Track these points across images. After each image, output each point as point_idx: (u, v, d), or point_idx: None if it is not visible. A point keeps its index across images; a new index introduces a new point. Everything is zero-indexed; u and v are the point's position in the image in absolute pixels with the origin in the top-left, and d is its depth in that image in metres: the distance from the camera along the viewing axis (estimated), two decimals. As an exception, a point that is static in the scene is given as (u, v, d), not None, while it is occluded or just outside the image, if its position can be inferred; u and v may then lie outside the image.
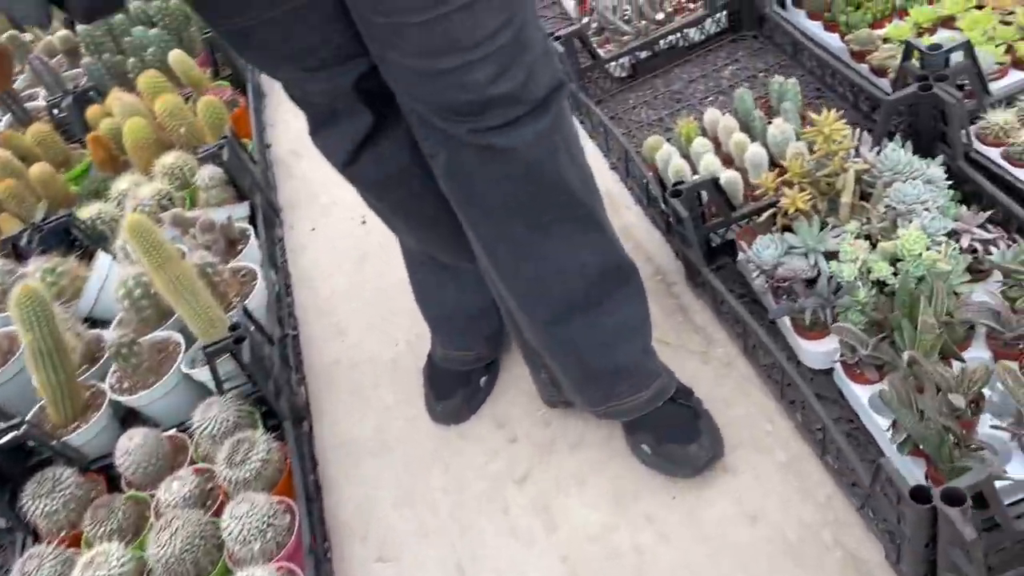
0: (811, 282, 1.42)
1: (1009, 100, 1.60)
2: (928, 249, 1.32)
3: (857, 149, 1.52)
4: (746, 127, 1.80)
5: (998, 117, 1.53)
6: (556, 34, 2.08)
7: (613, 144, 1.97)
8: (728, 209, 1.59)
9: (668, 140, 1.96)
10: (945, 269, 1.28)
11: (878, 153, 1.50)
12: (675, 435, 1.33)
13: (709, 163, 1.67)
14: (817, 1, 1.99)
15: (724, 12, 2.16)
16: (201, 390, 1.70)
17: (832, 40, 1.96)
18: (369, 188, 1.37)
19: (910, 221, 1.37)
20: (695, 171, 1.73)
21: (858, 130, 1.51)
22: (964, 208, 1.40)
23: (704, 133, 1.86)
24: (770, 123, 1.82)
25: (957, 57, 1.55)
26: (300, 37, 1.10)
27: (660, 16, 2.20)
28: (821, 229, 1.45)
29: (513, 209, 1.15)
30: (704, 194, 1.55)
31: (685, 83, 2.14)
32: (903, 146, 1.50)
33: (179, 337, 1.75)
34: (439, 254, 1.51)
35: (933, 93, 1.49)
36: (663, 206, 1.66)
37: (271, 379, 1.60)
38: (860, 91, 1.80)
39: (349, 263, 2.04)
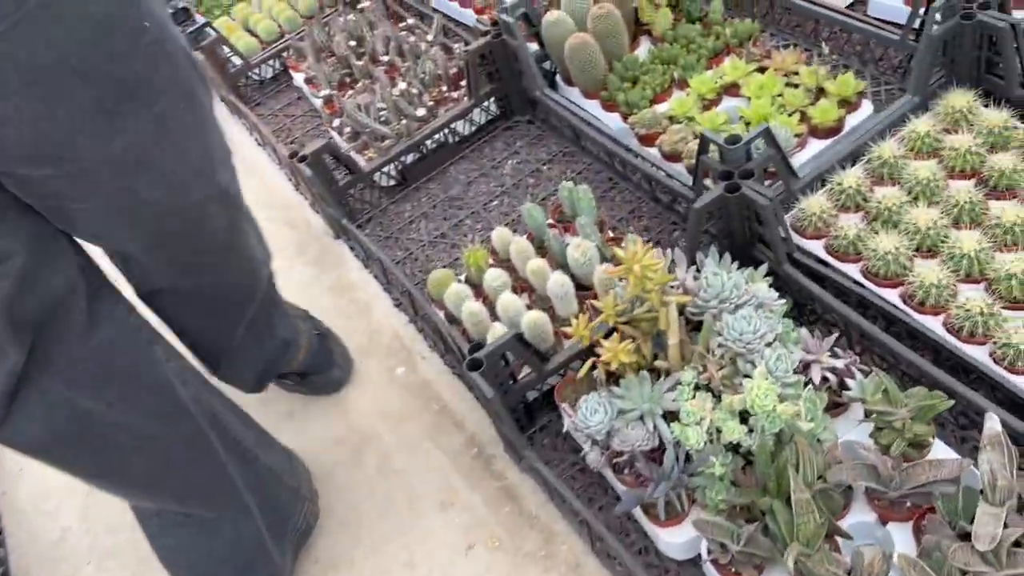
0: (655, 450, 1.17)
1: (820, 179, 1.44)
2: (780, 400, 1.09)
3: (672, 266, 1.29)
4: (541, 244, 1.54)
5: (814, 205, 1.36)
6: (301, 154, 1.73)
7: (393, 278, 1.65)
8: (539, 361, 1.31)
9: (456, 261, 1.67)
10: (806, 428, 1.06)
11: (697, 272, 1.27)
12: (314, 366, 1.51)
13: (508, 305, 1.38)
14: (590, 79, 1.77)
15: (492, 99, 1.90)
16: None
17: (613, 121, 1.75)
18: (42, 454, 0.98)
19: (751, 363, 1.14)
20: (493, 312, 1.44)
21: (669, 251, 1.27)
22: (805, 331, 1.20)
23: (495, 254, 1.58)
24: (567, 230, 1.57)
25: (758, 142, 1.36)
26: None
27: (421, 112, 1.91)
28: (654, 381, 1.20)
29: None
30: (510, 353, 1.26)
31: (464, 185, 1.86)
32: (720, 257, 1.29)
33: None
34: (179, 509, 1.12)
35: (741, 194, 1.28)
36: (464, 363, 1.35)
37: None
38: (656, 182, 1.59)
39: (80, 490, 1.57)
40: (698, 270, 1.29)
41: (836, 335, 1.18)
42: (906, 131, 1.42)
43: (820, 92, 1.60)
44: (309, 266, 1.85)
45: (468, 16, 2.22)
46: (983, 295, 1.17)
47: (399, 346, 1.61)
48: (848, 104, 1.56)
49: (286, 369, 1.47)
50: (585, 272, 1.43)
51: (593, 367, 1.26)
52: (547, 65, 1.90)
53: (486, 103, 1.90)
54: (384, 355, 1.60)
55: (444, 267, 1.68)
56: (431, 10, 2.29)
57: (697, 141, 1.56)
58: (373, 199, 1.88)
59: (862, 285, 1.29)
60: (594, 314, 1.31)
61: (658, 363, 1.24)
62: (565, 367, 1.33)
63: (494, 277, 1.45)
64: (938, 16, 1.40)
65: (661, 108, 1.70)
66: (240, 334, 1.31)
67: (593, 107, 1.79)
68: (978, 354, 1.15)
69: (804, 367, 1.17)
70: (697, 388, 1.17)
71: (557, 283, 1.38)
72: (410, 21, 2.21)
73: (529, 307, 1.44)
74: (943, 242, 1.26)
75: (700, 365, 1.17)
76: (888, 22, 1.70)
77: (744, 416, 1.12)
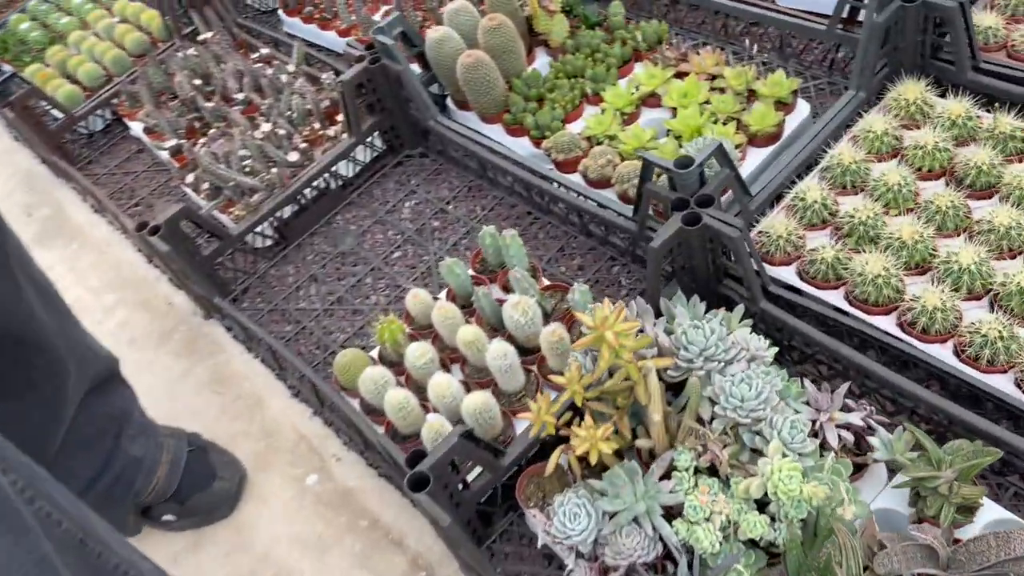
0: (659, 557, 0.95)
1: (775, 196, 1.26)
2: (804, 477, 0.89)
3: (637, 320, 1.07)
4: (467, 303, 1.30)
5: (779, 227, 1.18)
6: (152, 225, 1.41)
7: (286, 363, 1.36)
8: (493, 457, 1.07)
9: (362, 331, 1.40)
10: (849, 515, 0.87)
11: (667, 325, 1.07)
12: (193, 484, 1.25)
13: (442, 389, 1.13)
14: (489, 101, 1.54)
15: (376, 133, 1.64)
16: None
17: (522, 147, 1.53)
18: None
19: (758, 433, 0.95)
20: (421, 394, 1.18)
21: (633, 303, 1.06)
22: (809, 384, 1.01)
23: (410, 319, 1.32)
24: (491, 281, 1.33)
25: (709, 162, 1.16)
26: None
27: (294, 156, 1.62)
28: (642, 468, 0.98)
29: None
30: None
31: (356, 237, 1.59)
32: (688, 301, 1.09)
33: None
34: None
35: (704, 226, 1.09)
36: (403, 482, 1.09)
37: None
38: (587, 214, 1.37)
39: None
40: (670, 323, 1.08)
41: (846, 384, 1.00)
42: (859, 130, 1.27)
43: (751, 95, 1.43)
44: (177, 357, 1.53)
45: (331, 40, 1.94)
46: (994, 316, 1.02)
47: (306, 448, 1.32)
48: (784, 106, 1.40)
49: (148, 498, 1.23)
50: (528, 334, 1.19)
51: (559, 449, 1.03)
52: (435, 89, 1.65)
53: (370, 138, 1.64)
54: (288, 461, 1.31)
55: (347, 338, 1.41)
56: (287, 36, 2.00)
57: (625, 163, 1.36)
58: (247, 265, 1.58)
59: (846, 314, 1.12)
60: (551, 388, 1.08)
61: (640, 442, 1.02)
62: (523, 458, 1.09)
63: (418, 355, 1.20)
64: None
65: (575, 128, 1.49)
66: (58, 441, 1.09)
67: (496, 132, 1.57)
68: (1002, 384, 1.00)
69: (810, 423, 0.99)
70: (696, 471, 0.96)
71: (499, 354, 1.14)
72: (264, 51, 1.92)
73: (465, 384, 1.19)
74: (932, 255, 1.11)
75: (698, 445, 0.96)
76: (799, 11, 1.56)
77: (760, 502, 0.92)
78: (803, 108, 1.41)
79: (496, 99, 1.54)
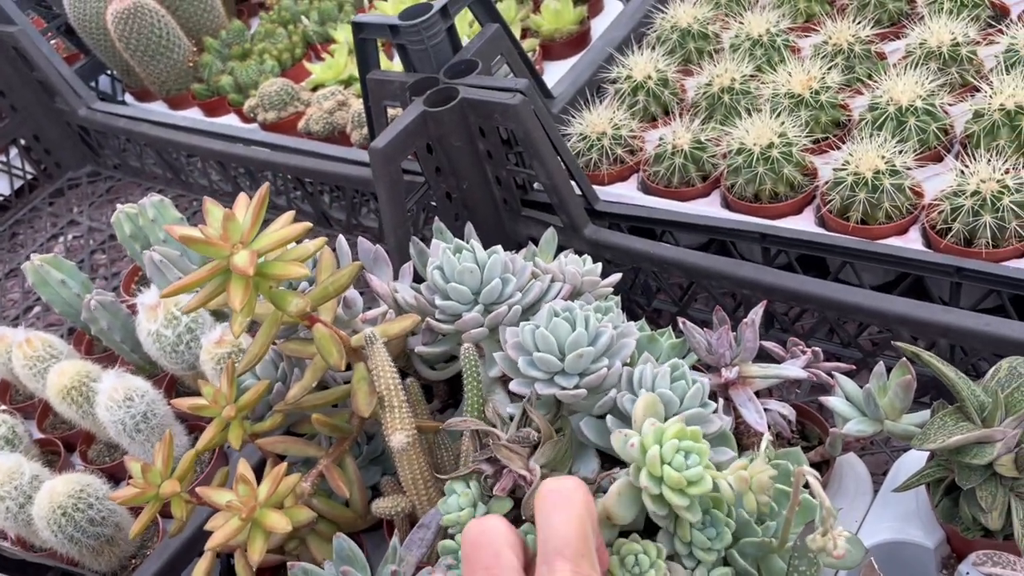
0: None
1: (586, 95, 0.83)
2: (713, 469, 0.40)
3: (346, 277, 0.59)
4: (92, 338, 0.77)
5: (597, 121, 0.74)
6: None
7: None
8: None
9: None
10: (836, 556, 0.38)
11: (415, 282, 0.58)
12: None
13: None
14: (169, 71, 1.07)
15: (11, 147, 1.12)
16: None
17: (225, 130, 1.05)
18: None
19: (602, 419, 0.46)
20: None
21: (339, 240, 0.57)
22: (688, 326, 0.53)
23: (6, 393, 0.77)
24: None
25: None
26: None
27: None
28: (375, 557, 0.46)
29: None
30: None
31: (-23, 301, 1.04)
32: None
33: None
34: None
35: (463, 101, 0.63)
36: None
37: None
38: (316, 174, 0.90)
39: None
40: (420, 268, 0.60)
41: (760, 306, 0.53)
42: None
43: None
44: None
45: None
46: (981, 164, 0.60)
47: None
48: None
49: None
50: (187, 360, 0.67)
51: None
52: (106, 84, 1.18)
53: (3, 157, 1.12)
54: None
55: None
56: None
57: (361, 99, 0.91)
58: None
59: (727, 232, 0.67)
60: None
61: (380, 504, 0.50)
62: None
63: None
64: None
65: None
66: None
67: (191, 120, 1.08)
68: (1026, 270, 0.57)
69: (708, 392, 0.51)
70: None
71: (117, 397, 0.61)
72: None
73: (51, 464, 0.65)
74: (843, 112, 0.69)
75: (483, 465, 0.45)
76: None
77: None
78: (614, 4, 1.02)
79: (177, 66, 1.08)
